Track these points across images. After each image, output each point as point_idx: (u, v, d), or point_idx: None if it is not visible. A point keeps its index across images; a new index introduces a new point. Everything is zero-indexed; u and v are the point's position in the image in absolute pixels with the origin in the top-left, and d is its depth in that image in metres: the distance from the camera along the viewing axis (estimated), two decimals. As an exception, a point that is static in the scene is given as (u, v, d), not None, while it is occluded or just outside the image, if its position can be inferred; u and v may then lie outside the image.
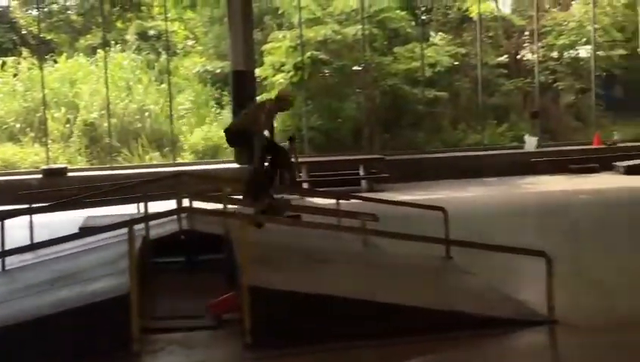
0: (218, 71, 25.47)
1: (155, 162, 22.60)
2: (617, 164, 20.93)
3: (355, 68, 24.21)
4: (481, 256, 9.62)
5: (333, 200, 12.89)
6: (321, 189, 17.92)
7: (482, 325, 7.22)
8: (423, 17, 25.26)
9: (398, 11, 24.61)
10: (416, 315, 7.15)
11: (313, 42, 23.46)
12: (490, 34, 25.74)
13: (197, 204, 11.17)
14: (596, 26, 24.20)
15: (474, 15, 24.29)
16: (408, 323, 7.07)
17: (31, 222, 12.74)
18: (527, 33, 25.83)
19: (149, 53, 25.81)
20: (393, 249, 10.21)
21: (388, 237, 9.28)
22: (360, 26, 23.55)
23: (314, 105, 23.84)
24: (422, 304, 7.40)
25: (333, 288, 7.51)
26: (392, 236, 8.93)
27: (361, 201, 12.86)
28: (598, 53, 24.35)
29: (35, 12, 26.63)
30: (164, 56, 24.94)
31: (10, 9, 27.20)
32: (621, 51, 24.71)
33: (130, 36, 26.50)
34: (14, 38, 26.87)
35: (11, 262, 10.33)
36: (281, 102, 10.95)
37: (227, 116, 23.00)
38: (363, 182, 19.87)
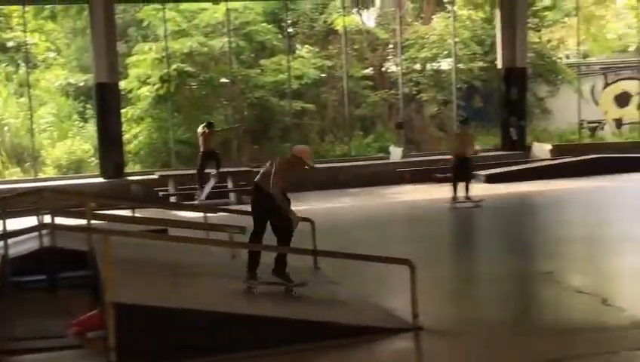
0: (81, 84, 24.86)
1: (15, 177, 21.79)
2: (479, 172, 21.53)
3: (222, 80, 24.03)
4: (349, 266, 9.77)
5: (201, 214, 12.84)
6: (188, 203, 17.75)
7: (349, 334, 7.30)
8: (289, 30, 25.36)
9: (264, 24, 24.61)
10: (283, 326, 7.17)
11: (179, 54, 23.20)
12: (356, 47, 26.13)
13: (60, 220, 10.84)
14: (457, 39, 24.95)
15: (339, 28, 24.57)
16: (276, 335, 7.08)
17: None
18: (391, 46, 26.37)
19: (8, 65, 24.91)
20: (262, 261, 10.06)
21: (254, 249, 9.26)
22: (226, 39, 23.43)
23: (181, 117, 23.56)
24: (289, 315, 7.46)
25: (200, 302, 7.47)
26: (258, 248, 8.93)
27: (229, 214, 12.83)
28: (458, 65, 25.10)
29: None
30: (23, 69, 24.12)
31: None
32: (480, 64, 25.53)
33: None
34: None
35: None
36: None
37: (91, 130, 22.46)
38: (231, 195, 19.71)
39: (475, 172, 21.32)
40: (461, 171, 16.66)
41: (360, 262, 9.29)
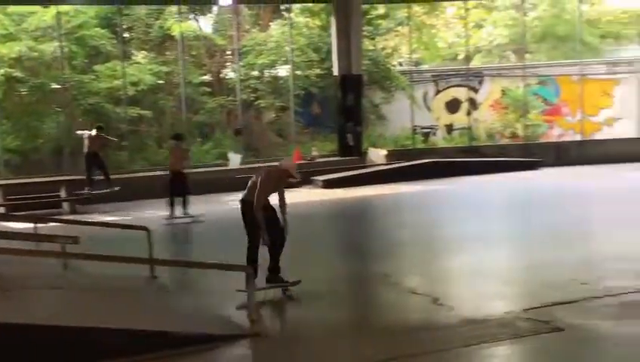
0: None
1: None
2: (316, 178, 21.82)
3: (53, 86, 23.17)
4: (188, 274, 9.64)
5: (31, 224, 12.39)
6: (18, 213, 17.03)
7: (188, 343, 7.22)
8: (124, 35, 24.80)
9: (97, 29, 23.92)
10: (121, 337, 7.00)
11: (7, 59, 22.20)
12: (193, 53, 25.89)
13: None
14: (294, 46, 25.16)
15: (176, 34, 24.26)
16: (114, 346, 6.91)
17: None
18: (229, 52, 26.29)
19: None
20: (98, 271, 9.95)
21: (86, 259, 9.16)
22: (57, 43, 22.65)
23: (10, 125, 22.58)
24: (126, 325, 7.26)
25: (31, 316, 7.18)
26: (91, 258, 8.73)
27: (61, 224, 12.49)
28: (296, 72, 25.31)
29: None
30: None
31: None
32: (317, 71, 25.85)
33: None
34: None
35: None
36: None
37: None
38: (64, 205, 19.10)
39: (313, 177, 21.69)
40: (175, 186, 16.34)
41: (199, 270, 9.29)
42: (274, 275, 9.24)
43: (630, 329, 7.50)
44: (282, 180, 9.33)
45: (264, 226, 9.03)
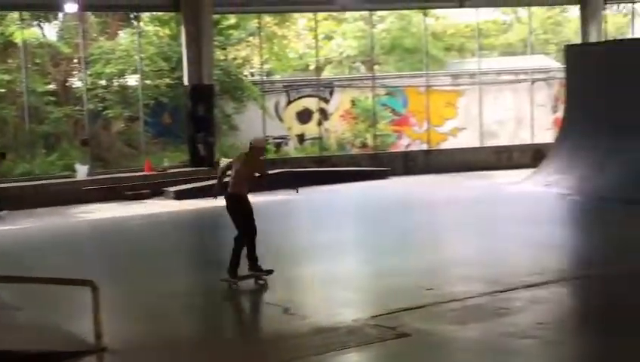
0: None
1: None
2: (168, 189, 21.56)
3: None
4: (31, 291, 9.31)
5: None
6: None
7: (31, 361, 7.00)
8: (-37, 41, 23.73)
9: None
10: None
11: None
12: (37, 61, 25.03)
13: None
14: (143, 55, 24.74)
15: (18, 41, 23.38)
16: None
17: None
18: (75, 61, 25.57)
19: None
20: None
21: None
22: None
23: None
24: None
25: None
26: None
27: None
28: (145, 81, 24.90)
29: None
30: None
31: None
32: (167, 80, 25.51)
33: None
34: None
35: None
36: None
37: None
38: None
39: (164, 188, 21.38)
40: None
41: (45, 287, 8.96)
42: (254, 263, 10.11)
43: (475, 332, 7.76)
44: (258, 158, 10.49)
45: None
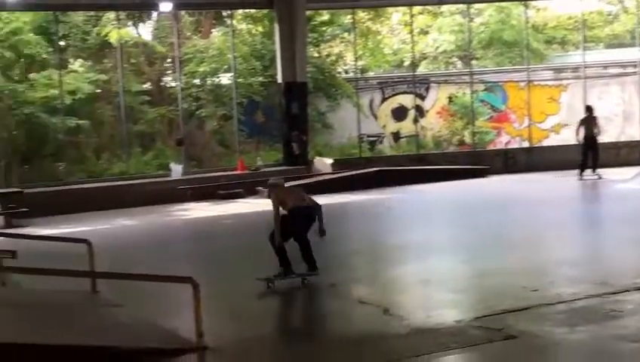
0: None
1: None
2: (261, 188, 21.31)
3: (-14, 95, 22.34)
4: (131, 288, 9.29)
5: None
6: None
7: (132, 358, 7.07)
8: (61, 43, 24.03)
9: (32, 35, 23.09)
10: (63, 353, 6.79)
11: None
12: (132, 61, 25.23)
13: None
14: (236, 54, 24.63)
15: (114, 41, 23.58)
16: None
17: None
18: (169, 60, 25.70)
19: None
20: (38, 286, 9.80)
21: (25, 273, 9.10)
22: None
23: None
24: (66, 341, 7.07)
25: None
26: (30, 272, 8.76)
27: None
28: (239, 80, 24.80)
29: None
30: None
31: None
32: (261, 79, 25.40)
33: None
34: None
35: None
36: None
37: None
38: (0, 218, 18.36)
39: (257, 187, 21.22)
40: None
41: (142, 283, 8.96)
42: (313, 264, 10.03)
43: (584, 335, 7.35)
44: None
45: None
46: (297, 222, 9.83)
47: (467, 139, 27.26)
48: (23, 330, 7.44)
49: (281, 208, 9.92)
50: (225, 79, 25.64)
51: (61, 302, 9.14)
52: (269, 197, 10.33)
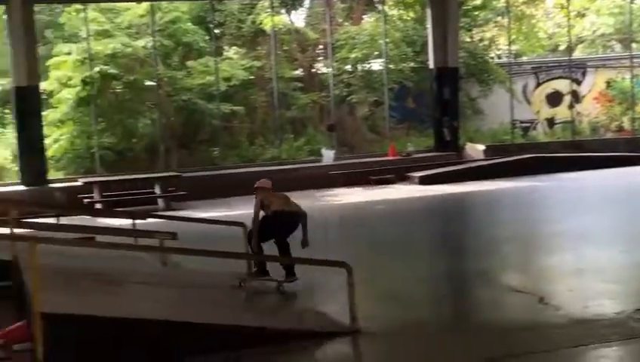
0: (-1, 89, 23.79)
1: None
2: (412, 174, 21.25)
3: (147, 83, 23.20)
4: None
5: (129, 221, 12.40)
6: (115, 209, 17.08)
7: (288, 339, 7.20)
8: (216, 31, 24.71)
9: (189, 24, 23.87)
10: (222, 333, 7.01)
11: (102, 56, 22.28)
12: (285, 47, 25.62)
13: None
14: (387, 39, 24.59)
15: (267, 28, 24.02)
16: (215, 341, 6.92)
17: None
18: (321, 46, 25.93)
19: None
20: (197, 267, 10.03)
21: (186, 254, 9.25)
22: (150, 39, 22.66)
23: (105, 122, 22.69)
24: (227, 321, 7.34)
25: (131, 310, 7.26)
26: (191, 253, 8.87)
27: (158, 220, 12.73)
28: (390, 66, 24.75)
29: None
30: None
31: None
32: (412, 64, 25.26)
33: None
34: None
35: None
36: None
37: (10, 136, 21.48)
38: (160, 201, 19.10)
39: (408, 173, 21.16)
40: None
41: (297, 266, 9.12)
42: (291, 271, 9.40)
43: None
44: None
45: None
46: (278, 225, 9.45)
47: (626, 125, 26.20)
48: (184, 309, 7.76)
49: (263, 211, 9.54)
50: (376, 65, 25.63)
51: (219, 283, 9.41)
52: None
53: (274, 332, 7.24)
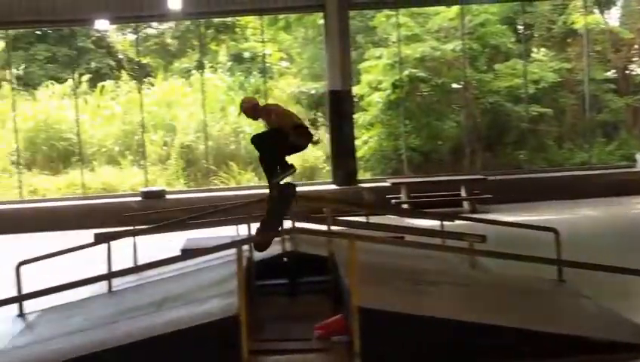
0: (312, 92, 25.09)
1: (251, 183, 22.25)
2: None
3: (454, 85, 23.40)
4: (594, 278, 9.17)
5: (436, 222, 12.50)
6: (424, 210, 17.34)
7: (600, 350, 6.96)
8: (525, 33, 24.34)
9: (498, 26, 23.73)
10: (530, 338, 6.92)
11: (411, 60, 22.80)
12: (597, 48, 24.68)
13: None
14: None
15: (580, 28, 23.26)
16: (521, 346, 6.86)
17: (135, 243, 12.54)
18: (636, 47, 24.68)
19: (246, 77, 25.60)
20: (505, 271, 9.97)
21: (496, 257, 9.11)
22: (459, 42, 22.79)
23: (412, 124, 23.18)
24: (535, 327, 7.16)
25: (445, 311, 7.34)
26: (501, 256, 8.78)
27: (464, 222, 12.58)
28: None
29: (131, 36, 26.78)
30: (257, 77, 24.73)
31: (108, 33, 27.44)
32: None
33: (223, 57, 26.31)
34: (111, 62, 27.14)
35: (116, 284, 10.33)
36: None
37: (323, 137, 22.56)
38: (465, 203, 19.15)
39: None
40: None
41: (610, 276, 8.65)
42: None
43: None
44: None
45: None
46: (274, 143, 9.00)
47: None
48: (492, 312, 7.65)
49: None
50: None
51: (529, 288, 9.27)
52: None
53: (585, 342, 7.01)
